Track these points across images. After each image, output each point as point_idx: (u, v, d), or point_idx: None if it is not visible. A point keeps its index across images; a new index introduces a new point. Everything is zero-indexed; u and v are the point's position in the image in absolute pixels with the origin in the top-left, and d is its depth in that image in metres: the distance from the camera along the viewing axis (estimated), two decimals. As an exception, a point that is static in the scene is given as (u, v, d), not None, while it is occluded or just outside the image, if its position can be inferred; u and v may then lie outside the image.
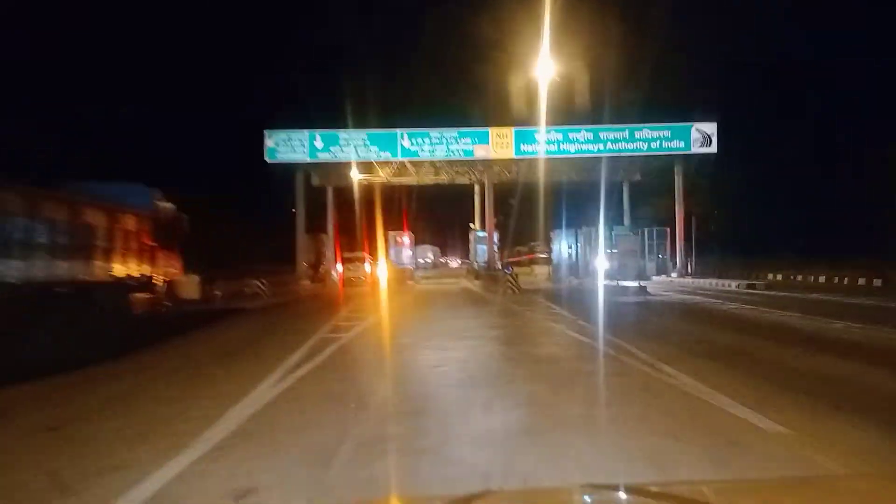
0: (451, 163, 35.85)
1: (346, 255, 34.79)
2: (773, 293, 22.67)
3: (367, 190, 41.14)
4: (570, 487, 3.03)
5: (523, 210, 36.10)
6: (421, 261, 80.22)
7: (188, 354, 10.39)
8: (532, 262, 41.60)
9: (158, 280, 14.28)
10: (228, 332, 13.51)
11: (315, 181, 40.14)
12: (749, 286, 25.03)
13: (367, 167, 37.22)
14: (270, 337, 12.41)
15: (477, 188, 41.15)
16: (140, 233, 13.09)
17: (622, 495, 1.93)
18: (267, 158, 30.76)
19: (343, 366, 8.87)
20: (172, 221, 15.11)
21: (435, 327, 13.49)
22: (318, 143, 30.76)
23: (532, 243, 48.93)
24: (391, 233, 35.98)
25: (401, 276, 29.70)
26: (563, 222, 37.29)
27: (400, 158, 31.72)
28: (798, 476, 3.86)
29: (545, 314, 16.08)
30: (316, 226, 37.79)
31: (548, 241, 37.31)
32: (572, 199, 41.63)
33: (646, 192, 37.42)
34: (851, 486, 2.06)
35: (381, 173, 37.62)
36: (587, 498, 1.98)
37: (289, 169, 32.02)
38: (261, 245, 33.32)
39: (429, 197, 52.78)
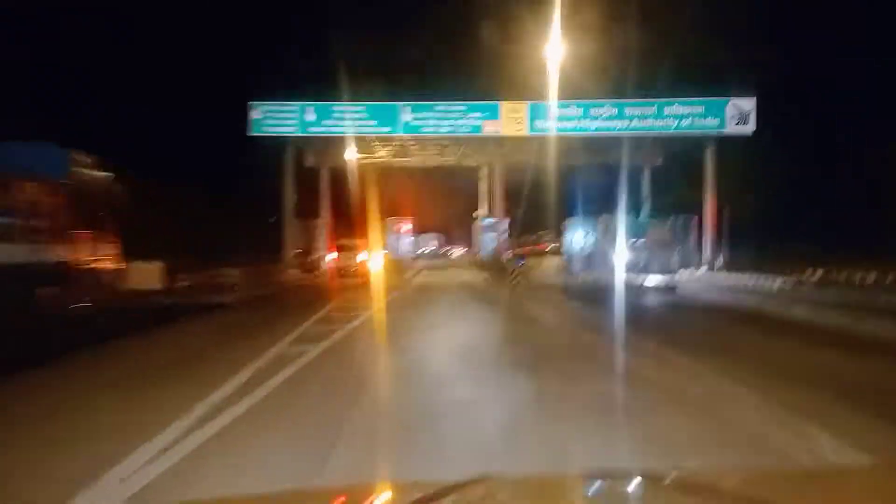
0: (457, 141, 32.57)
1: (340, 242, 31.63)
2: (831, 293, 19.43)
3: (366, 172, 37.97)
4: (578, 473, 2.52)
5: (533, 197, 32.85)
6: (423, 250, 77.01)
7: (66, 386, 7.25)
8: (540, 252, 38.40)
9: (83, 266, 11.11)
10: (161, 341, 10.35)
11: (309, 161, 37.04)
12: (797, 283, 21.76)
13: (365, 146, 33.96)
14: (214, 351, 9.23)
15: (484, 171, 37.90)
16: (50, 207, 9.91)
17: (632, 483, 1.87)
18: (251, 132, 27.53)
19: (290, 414, 5.71)
20: (103, 194, 11.90)
21: (434, 339, 10.34)
22: (310, 116, 27.51)
23: (539, 232, 45.74)
24: (390, 219, 32.84)
25: (399, 267, 26.61)
26: (578, 210, 34.12)
27: (401, 134, 28.45)
28: (818, 466, 3.76)
29: (572, 321, 12.91)
30: (308, 210, 34.66)
31: (560, 231, 34.09)
32: (588, 184, 38.42)
33: (667, 178, 34.10)
34: (871, 478, 2.05)
35: (381, 152, 34.38)
36: (596, 485, 1.88)
37: (277, 144, 28.79)
38: (245, 230, 30.13)
39: (433, 181, 49.61)
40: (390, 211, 34.94)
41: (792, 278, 22.59)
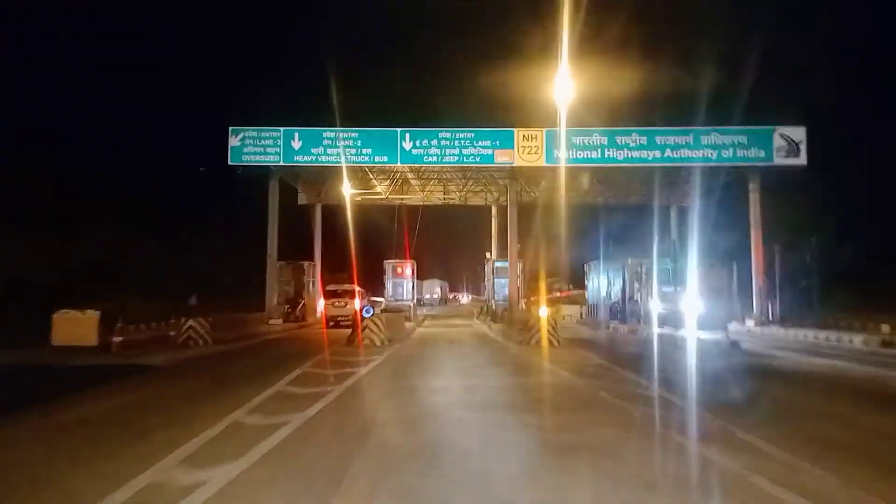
0: (464, 174, 29.13)
1: (332, 288, 27.85)
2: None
3: (363, 210, 34.49)
4: None
5: (551, 237, 29.13)
6: (427, 296, 72.60)
7: None
8: (556, 300, 34.49)
9: None
10: None
11: (301, 199, 33.67)
12: (885, 344, 17.70)
13: (361, 181, 30.55)
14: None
15: (494, 210, 34.31)
16: None
17: None
18: (231, 161, 24.13)
19: None
20: None
21: (445, 444, 6.42)
22: (296, 143, 24.11)
23: (550, 279, 41.74)
24: (389, 262, 29.08)
25: (399, 316, 22.83)
26: (601, 253, 30.36)
27: (400, 164, 25.01)
28: None
29: (630, 400, 8.97)
30: (298, 251, 31.02)
31: (575, 277, 30.31)
32: (612, 224, 34.79)
33: (701, 217, 30.38)
34: None
35: (378, 188, 30.91)
36: None
37: (260, 175, 25.34)
38: (225, 273, 26.44)
39: (436, 221, 46.05)
40: (390, 254, 31.26)
41: (874, 336, 18.58)
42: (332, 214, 32.85)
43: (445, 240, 54.86)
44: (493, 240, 34.19)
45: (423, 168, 29.25)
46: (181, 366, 12.99)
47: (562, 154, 23.80)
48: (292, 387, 9.75)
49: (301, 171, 28.77)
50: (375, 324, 17.48)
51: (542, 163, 24.35)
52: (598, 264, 29.19)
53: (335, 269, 33.39)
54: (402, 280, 28.84)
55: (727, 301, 25.78)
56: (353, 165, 25.48)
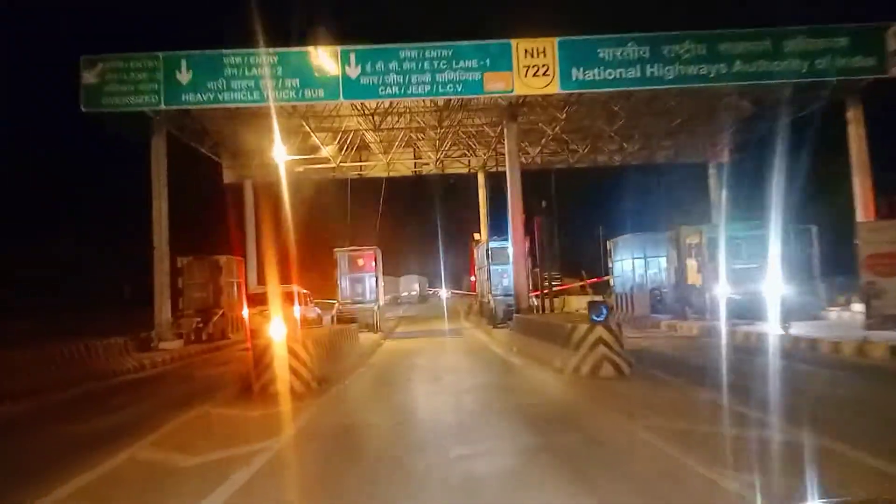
0: (440, 122, 21.09)
1: (258, 290, 19.80)
2: None
3: (312, 189, 26.35)
4: None
5: (564, 205, 21.13)
6: (405, 294, 64.02)
7: None
8: (564, 290, 26.60)
9: None
10: None
11: (228, 176, 25.48)
12: None
13: (302, 143, 22.41)
14: None
15: (482, 177, 26.35)
16: None
17: None
18: (84, 106, 15.80)
19: None
20: None
21: None
22: (184, 75, 15.82)
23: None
24: (342, 252, 20.86)
25: (340, 340, 14.87)
26: (628, 224, 22.63)
27: (344, 101, 16.83)
28: None
29: None
30: (228, 247, 22.85)
31: (587, 261, 22.65)
32: (629, 192, 27.07)
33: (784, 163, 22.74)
34: None
35: (324, 151, 22.75)
36: None
37: (132, 126, 17.04)
38: (99, 277, 18.11)
39: (408, 200, 38.12)
40: (343, 240, 23.12)
41: None
42: (275, 198, 24.59)
43: (417, 223, 46.78)
44: (481, 216, 26.22)
45: (382, 119, 21.19)
46: None
47: (604, 74, 15.82)
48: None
49: (211, 127, 20.56)
50: (296, 354, 9.43)
51: (557, 89, 16.35)
52: (630, 240, 21.38)
53: (282, 267, 25.22)
54: (361, 275, 20.73)
55: (813, 280, 18.27)
56: (280, 108, 17.28)
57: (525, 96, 16.76)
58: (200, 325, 19.05)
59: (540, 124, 21.75)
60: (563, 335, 9.99)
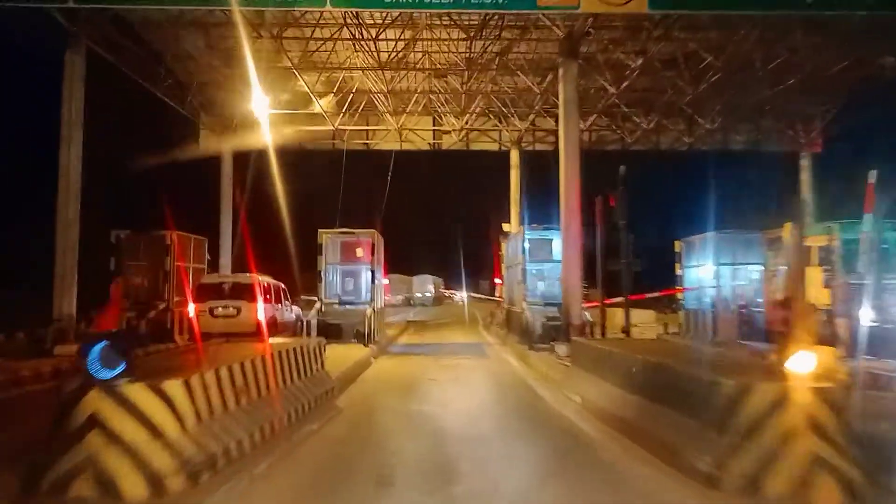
0: (468, 62, 15.97)
1: (212, 280, 14.78)
2: None
3: (305, 159, 21.67)
4: None
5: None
6: (419, 295, 58.37)
7: None
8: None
9: None
10: None
11: (205, 141, 20.84)
12: None
13: (292, 96, 17.54)
14: None
15: (515, 155, 21.21)
16: None
17: None
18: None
19: None
20: None
21: None
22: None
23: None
24: (330, 234, 15.50)
25: (299, 355, 9.97)
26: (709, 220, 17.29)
27: (330, 7, 11.71)
28: None
29: None
30: (195, 220, 18.04)
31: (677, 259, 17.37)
32: (694, 182, 21.77)
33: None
34: None
35: (318, 106, 17.76)
36: None
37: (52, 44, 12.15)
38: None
39: (424, 185, 33.18)
40: (333, 221, 18.04)
41: None
42: (257, 168, 19.62)
43: (433, 214, 41.80)
44: (512, 203, 21.05)
45: (395, 73, 16.26)
46: None
47: None
48: None
49: (163, 52, 15.68)
50: (143, 413, 4.35)
51: (645, 8, 11.14)
52: (711, 240, 16.06)
53: (268, 257, 20.29)
54: (353, 267, 15.61)
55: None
56: (252, 36, 12.31)
57: (592, 17, 11.52)
58: (134, 322, 14.17)
59: (593, 86, 16.63)
60: (708, 400, 4.84)
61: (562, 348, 11.36)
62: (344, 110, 18.49)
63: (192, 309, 13.63)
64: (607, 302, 12.35)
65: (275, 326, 14.05)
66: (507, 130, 20.95)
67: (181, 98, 17.86)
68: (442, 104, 19.95)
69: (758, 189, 21.26)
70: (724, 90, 17.40)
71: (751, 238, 15.83)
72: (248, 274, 14.76)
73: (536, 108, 18.40)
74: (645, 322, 19.04)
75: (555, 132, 21.50)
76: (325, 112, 17.75)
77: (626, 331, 11.85)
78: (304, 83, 16.00)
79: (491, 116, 20.75)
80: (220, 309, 13.46)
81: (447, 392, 9.03)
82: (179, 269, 15.65)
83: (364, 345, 13.57)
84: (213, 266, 18.79)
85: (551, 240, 14.38)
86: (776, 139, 21.18)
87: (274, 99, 17.14)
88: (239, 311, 13.43)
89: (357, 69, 16.75)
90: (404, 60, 16.61)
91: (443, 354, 14.22)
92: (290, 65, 14.83)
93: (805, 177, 20.78)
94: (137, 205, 18.04)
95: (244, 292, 13.70)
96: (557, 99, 18.94)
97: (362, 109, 19.39)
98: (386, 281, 24.39)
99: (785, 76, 16.03)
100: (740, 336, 15.07)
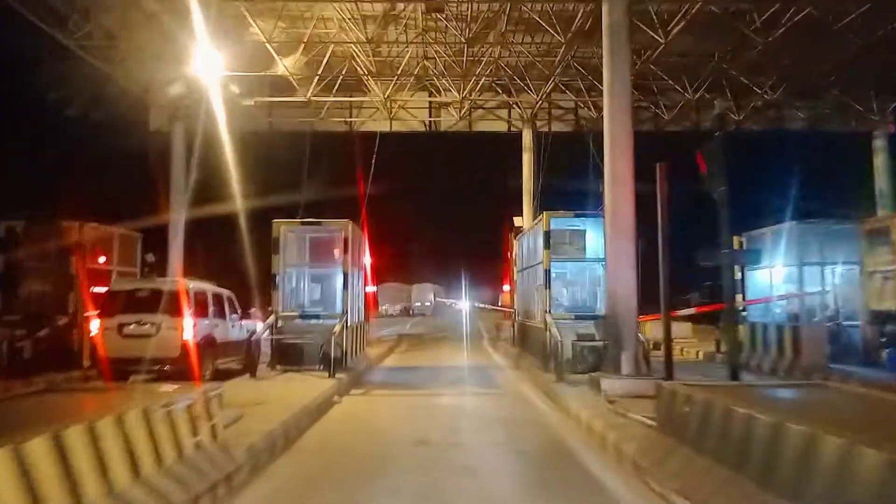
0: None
1: (124, 286, 10.96)
2: None
3: (273, 139, 18.25)
4: None
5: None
6: (418, 304, 54.25)
7: None
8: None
9: None
10: None
11: (155, 120, 17.45)
12: None
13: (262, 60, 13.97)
14: None
15: (528, 136, 17.52)
16: None
17: None
18: None
19: None
20: None
21: None
22: None
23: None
24: (286, 225, 11.70)
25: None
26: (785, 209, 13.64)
27: None
28: None
29: None
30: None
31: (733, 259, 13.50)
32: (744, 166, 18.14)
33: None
34: None
35: (282, 67, 14.12)
36: None
37: None
38: None
39: (417, 186, 29.66)
40: (296, 210, 14.37)
41: None
42: (209, 146, 15.99)
43: (432, 218, 38.38)
44: (524, 192, 17.35)
45: (379, 26, 12.64)
46: None
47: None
48: None
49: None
50: None
51: None
52: (785, 233, 12.34)
53: (228, 259, 16.64)
54: (324, 270, 11.91)
55: None
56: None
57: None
58: (21, 340, 10.49)
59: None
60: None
61: (612, 384, 7.68)
62: (319, 74, 14.85)
63: (95, 326, 9.95)
64: (673, 315, 8.59)
65: (212, 348, 10.35)
66: (517, 107, 17.35)
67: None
68: (438, 76, 16.35)
69: (821, 174, 17.70)
70: (783, 55, 13.79)
71: (840, 230, 12.19)
72: (173, 279, 11.09)
73: (558, 71, 14.71)
74: (681, 337, 15.32)
75: (575, 110, 18.05)
76: (291, 75, 14.11)
77: (669, 354, 8.03)
78: (258, 30, 12.36)
79: (499, 91, 17.21)
80: (132, 326, 9.75)
81: (444, 479, 5.24)
82: (96, 272, 12.03)
83: (329, 373, 9.85)
84: (160, 270, 15.15)
85: (584, 230, 10.68)
86: (841, 116, 17.57)
87: (228, 60, 13.57)
88: (158, 328, 9.73)
89: (336, 30, 13.25)
90: (391, 13, 13.10)
91: (440, 385, 10.50)
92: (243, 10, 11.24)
93: (880, 161, 17.15)
94: (54, 192, 14.53)
95: (168, 303, 10.02)
96: (577, 65, 15.53)
97: (341, 79, 15.80)
98: (372, 288, 20.68)
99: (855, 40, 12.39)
100: (830, 357, 11.41)
